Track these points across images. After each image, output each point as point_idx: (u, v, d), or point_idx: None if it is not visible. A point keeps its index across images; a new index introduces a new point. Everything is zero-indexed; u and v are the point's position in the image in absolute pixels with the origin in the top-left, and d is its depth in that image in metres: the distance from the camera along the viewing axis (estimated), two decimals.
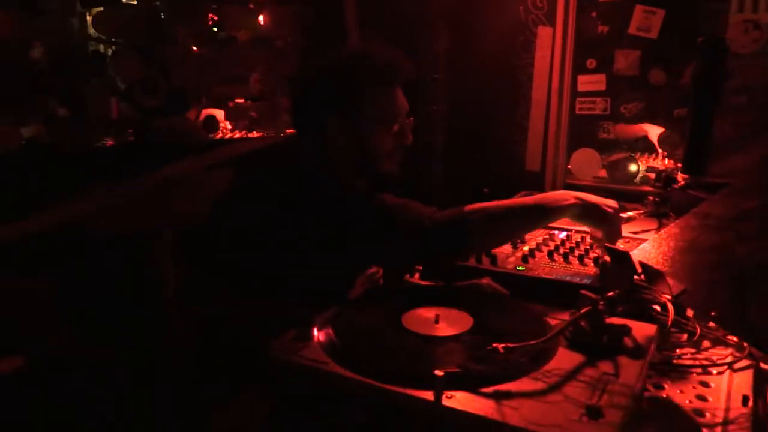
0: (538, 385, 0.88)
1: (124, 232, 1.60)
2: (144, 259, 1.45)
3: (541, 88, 2.32)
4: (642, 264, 1.07)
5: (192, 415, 1.12)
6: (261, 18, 2.27)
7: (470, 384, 0.86)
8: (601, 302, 1.01)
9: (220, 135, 2.35)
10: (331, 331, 1.02)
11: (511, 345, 0.89)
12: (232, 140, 2.35)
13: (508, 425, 0.79)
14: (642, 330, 1.06)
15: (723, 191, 1.11)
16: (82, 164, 1.92)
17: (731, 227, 1.05)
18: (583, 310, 1.00)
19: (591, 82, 2.24)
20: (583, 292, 1.03)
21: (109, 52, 2.05)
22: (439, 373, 0.82)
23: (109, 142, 2.05)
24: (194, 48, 2.25)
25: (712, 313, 1.06)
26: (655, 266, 1.00)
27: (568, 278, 1.30)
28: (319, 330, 1.04)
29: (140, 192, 1.84)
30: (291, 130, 2.24)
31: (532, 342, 0.91)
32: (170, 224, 1.61)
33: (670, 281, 1.06)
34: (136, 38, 2.12)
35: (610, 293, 1.05)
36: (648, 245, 1.09)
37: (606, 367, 0.94)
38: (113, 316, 1.39)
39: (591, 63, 2.25)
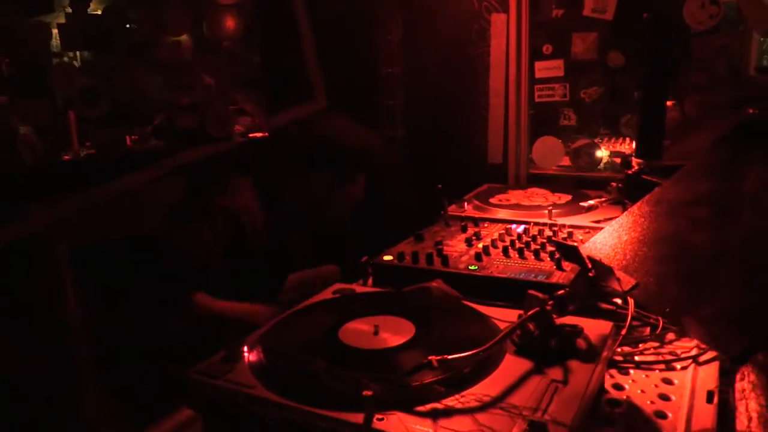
0: (482, 399, 0.81)
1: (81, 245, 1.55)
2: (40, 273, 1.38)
3: (498, 76, 2.26)
4: (591, 259, 1.01)
5: None
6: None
7: (405, 403, 0.79)
8: (550, 302, 0.95)
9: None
10: (260, 350, 0.95)
11: (447, 357, 0.83)
12: (181, 148, 2.27)
13: None
14: (596, 329, 1.00)
15: (674, 175, 1.06)
16: (39, 177, 1.86)
17: (684, 214, 0.99)
18: (530, 312, 0.94)
19: (548, 68, 2.18)
20: (530, 291, 0.97)
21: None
22: (367, 393, 0.76)
23: (66, 157, 1.99)
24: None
25: (666, 310, 1.01)
26: (604, 260, 0.95)
27: (522, 275, 1.23)
28: (249, 349, 0.97)
29: (93, 203, 1.78)
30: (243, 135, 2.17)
31: (470, 352, 0.85)
32: (121, 237, 1.57)
33: (620, 275, 1.01)
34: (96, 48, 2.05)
35: (560, 291, 0.99)
36: (599, 237, 1.03)
37: (554, 373, 0.88)
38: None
39: (547, 48, 2.19)
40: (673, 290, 0.87)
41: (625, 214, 1.09)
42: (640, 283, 0.92)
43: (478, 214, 1.73)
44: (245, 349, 0.97)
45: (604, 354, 0.96)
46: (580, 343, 0.96)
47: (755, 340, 0.74)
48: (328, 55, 2.30)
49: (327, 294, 1.21)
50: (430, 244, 1.47)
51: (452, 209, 1.78)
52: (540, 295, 0.96)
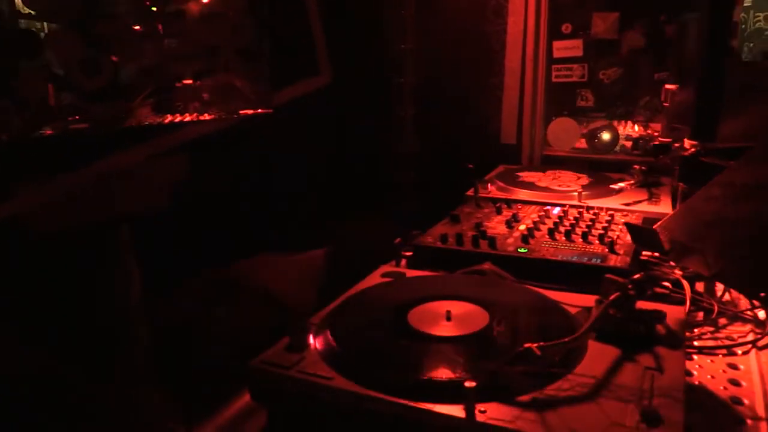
0: (578, 388, 0.78)
1: (65, 230, 1.46)
2: (99, 258, 1.30)
3: (514, 55, 2.22)
4: (672, 241, 0.98)
5: None
6: None
7: (504, 394, 0.75)
8: (630, 286, 0.92)
9: (169, 118, 2.17)
10: (330, 337, 0.90)
11: (545, 343, 0.78)
12: (182, 124, 2.18)
13: None
14: (672, 313, 0.98)
15: (743, 157, 1.03)
16: (17, 155, 1.76)
17: (761, 196, 0.96)
18: (612, 297, 0.91)
19: (567, 47, 2.14)
20: (609, 275, 0.94)
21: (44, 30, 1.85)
22: (469, 384, 0.71)
23: (48, 131, 1.87)
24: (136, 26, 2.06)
25: (762, 294, 0.98)
26: (686, 242, 0.91)
27: (575, 258, 1.20)
28: (315, 336, 0.92)
29: (81, 185, 1.69)
30: (245, 111, 2.09)
31: (566, 339, 0.81)
32: (117, 219, 1.49)
33: (702, 258, 0.98)
34: (72, 14, 1.91)
35: (637, 275, 0.96)
36: (672, 221, 1.00)
37: (646, 360, 0.85)
38: (61, 325, 1.24)
39: (566, 27, 2.15)
40: (765, 273, 0.84)
41: (694, 197, 1.06)
42: (723, 267, 0.89)
43: (503, 195, 1.69)
44: (311, 335, 0.92)
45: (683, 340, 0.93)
46: (660, 328, 0.94)
47: None
48: (336, 29, 2.22)
49: (375, 278, 1.16)
50: (469, 226, 1.43)
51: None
52: (620, 279, 0.93)
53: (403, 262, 1.37)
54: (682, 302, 1.13)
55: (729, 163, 1.09)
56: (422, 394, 0.76)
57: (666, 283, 1.23)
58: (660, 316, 0.93)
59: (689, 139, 1.39)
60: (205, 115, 2.20)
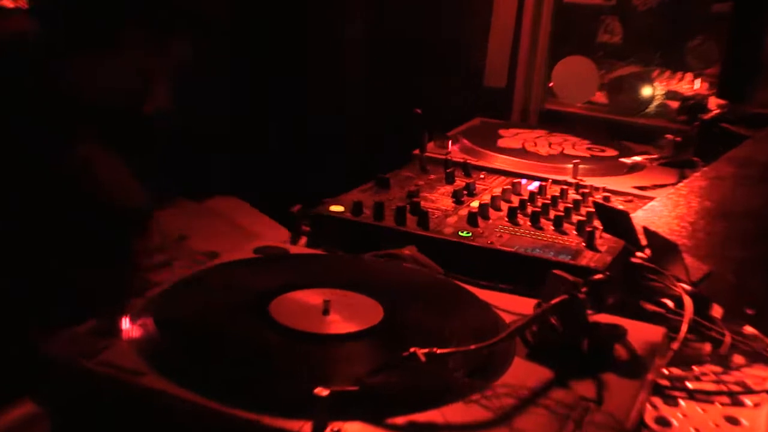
0: (479, 413, 0.86)
1: None
2: None
3: None
4: (648, 232, 1.07)
5: None
6: None
7: (372, 410, 0.83)
8: (584, 288, 1.00)
9: None
10: (151, 324, 0.97)
11: (438, 351, 0.87)
12: None
13: None
14: (641, 334, 1.06)
15: None
16: None
17: None
18: (555, 301, 0.99)
19: None
20: (556, 272, 1.02)
21: None
22: (322, 392, 0.79)
23: None
24: None
25: (747, 311, 1.08)
26: (668, 236, 1.00)
27: (537, 251, 1.29)
28: (132, 320, 0.99)
29: None
30: None
31: (471, 346, 0.89)
32: None
33: (689, 260, 1.07)
34: None
35: (598, 275, 1.04)
36: (658, 204, 1.09)
37: (584, 388, 0.93)
38: None
39: None
40: (761, 285, 0.93)
41: (696, 174, 1.15)
42: (713, 272, 0.98)
43: (469, 159, 1.78)
44: (127, 319, 0.99)
45: (651, 371, 1.02)
46: (620, 350, 1.02)
47: None
48: None
49: (246, 254, 1.24)
50: (400, 195, 1.52)
51: (430, 147, 1.83)
52: (570, 277, 1.01)
53: (303, 240, 1.45)
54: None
55: (756, 133, 1.19)
56: (261, 403, 0.83)
57: (666, 300, 1.32)
58: (618, 333, 1.01)
59: (717, 98, 1.48)
60: None
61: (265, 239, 1.35)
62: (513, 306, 1.12)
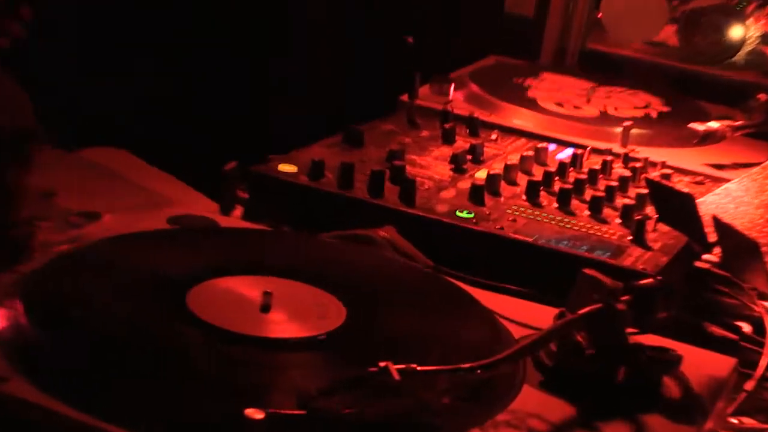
0: None
1: None
2: None
3: None
4: (721, 226, 1.09)
5: None
6: None
7: None
8: (625, 296, 1.02)
9: None
10: (20, 311, 0.99)
11: (419, 368, 0.89)
12: None
13: None
14: (704, 365, 1.08)
15: None
16: None
17: None
18: (584, 311, 1.01)
19: None
20: (588, 272, 1.04)
21: None
22: (255, 414, 0.82)
23: None
24: None
25: None
26: (747, 232, 1.03)
27: (564, 244, 1.31)
28: None
29: None
30: None
31: (465, 365, 0.91)
32: None
33: None
34: None
35: (646, 280, 1.06)
36: (737, 188, 1.12)
37: None
38: None
39: None
40: None
41: None
42: None
43: (478, 112, 1.80)
44: None
45: (712, 418, 1.04)
46: (670, 385, 1.04)
47: None
48: None
49: (158, 223, 1.26)
50: (377, 155, 1.54)
51: (424, 93, 1.85)
52: (607, 281, 1.03)
53: (239, 211, 1.46)
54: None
55: None
56: (170, 427, 0.85)
57: (741, 323, 1.35)
58: (669, 361, 1.04)
59: None
60: None
61: (177, 208, 1.36)
62: (525, 315, 1.14)
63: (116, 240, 1.21)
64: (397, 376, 0.87)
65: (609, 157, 1.62)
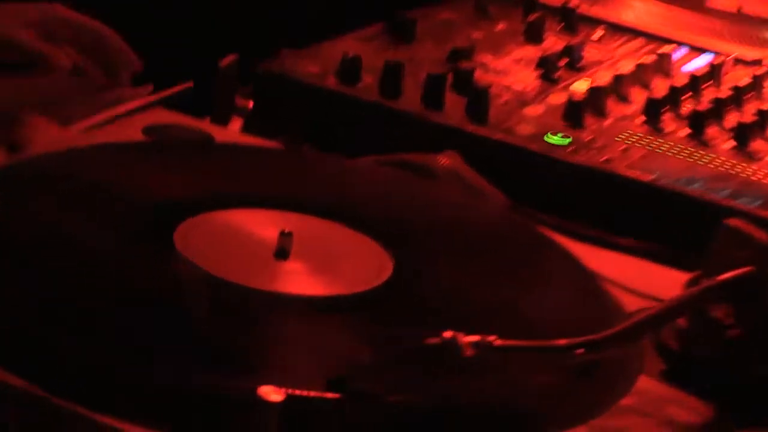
0: None
1: None
2: None
3: None
4: None
5: None
6: None
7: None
8: None
9: None
10: None
11: (498, 342, 0.91)
12: None
13: None
14: None
15: None
16: None
17: None
18: (727, 275, 1.02)
19: None
20: (733, 223, 1.05)
21: None
22: (270, 394, 0.84)
23: None
24: None
25: None
26: None
27: (696, 186, 1.33)
28: None
29: None
30: None
31: (560, 341, 0.93)
32: None
33: None
34: None
35: None
36: None
37: None
38: None
39: None
40: None
41: None
42: None
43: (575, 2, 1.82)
44: None
45: None
46: None
47: None
48: None
49: (131, 132, 1.28)
50: (435, 54, 1.56)
51: None
52: (760, 234, 1.04)
53: (236, 123, 1.48)
54: None
55: None
56: (153, 405, 0.88)
57: None
58: None
59: None
60: None
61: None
62: (644, 280, 1.15)
63: (70, 155, 1.21)
64: (468, 352, 0.89)
65: (760, 71, 1.62)
